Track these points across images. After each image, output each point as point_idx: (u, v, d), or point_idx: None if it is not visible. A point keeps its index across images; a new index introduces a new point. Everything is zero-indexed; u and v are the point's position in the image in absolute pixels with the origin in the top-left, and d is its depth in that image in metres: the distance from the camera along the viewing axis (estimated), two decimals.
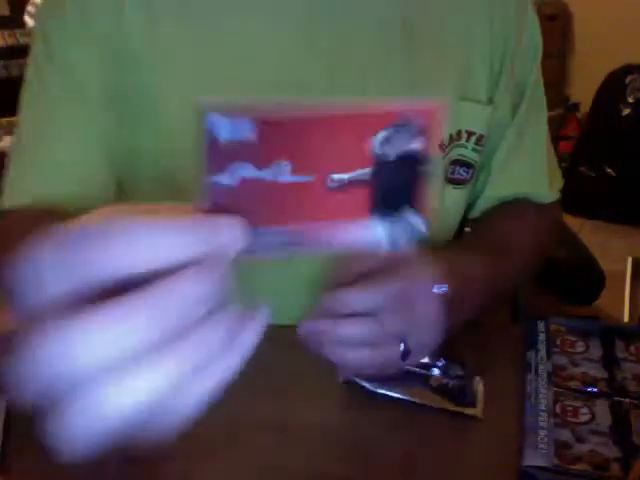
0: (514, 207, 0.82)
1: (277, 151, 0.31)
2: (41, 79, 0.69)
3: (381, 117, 0.32)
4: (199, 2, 0.67)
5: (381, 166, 0.33)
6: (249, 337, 0.29)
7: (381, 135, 0.33)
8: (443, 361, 0.62)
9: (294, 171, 0.32)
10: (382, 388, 0.60)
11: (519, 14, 0.77)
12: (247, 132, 0.30)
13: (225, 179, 0.31)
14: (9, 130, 2.36)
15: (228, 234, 0.29)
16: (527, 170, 0.82)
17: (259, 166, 0.31)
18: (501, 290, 0.73)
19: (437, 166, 0.34)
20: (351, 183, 0.33)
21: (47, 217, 0.62)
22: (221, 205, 0.31)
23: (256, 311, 0.30)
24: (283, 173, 0.32)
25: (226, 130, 0.30)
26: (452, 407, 0.59)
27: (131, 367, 0.25)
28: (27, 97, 0.70)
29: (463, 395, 0.60)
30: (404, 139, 0.33)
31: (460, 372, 0.62)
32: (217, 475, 0.54)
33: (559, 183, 0.88)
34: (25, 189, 0.68)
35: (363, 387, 0.61)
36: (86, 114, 0.67)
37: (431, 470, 0.55)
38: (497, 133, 0.78)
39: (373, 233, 0.35)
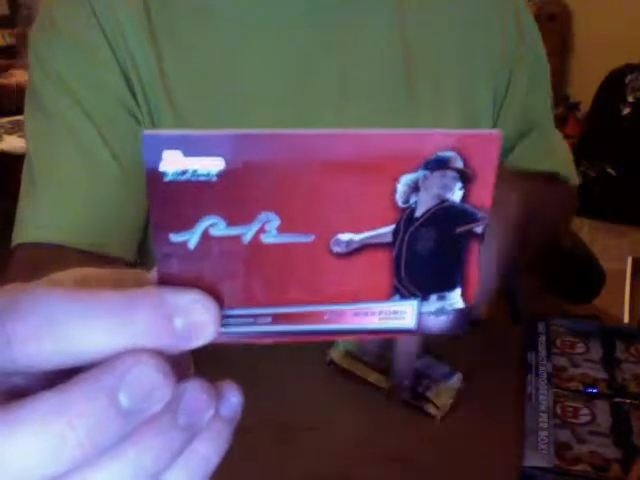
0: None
1: (258, 199, 0.22)
2: (44, 106, 0.68)
3: (407, 153, 0.22)
4: (200, 37, 0.68)
5: (407, 224, 0.24)
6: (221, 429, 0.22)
7: (406, 179, 0.23)
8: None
9: (283, 228, 0.23)
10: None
11: (519, 30, 0.77)
12: (215, 173, 0.21)
13: (182, 237, 0.22)
14: (9, 130, 2.36)
15: (188, 316, 0.21)
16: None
17: (231, 220, 0.22)
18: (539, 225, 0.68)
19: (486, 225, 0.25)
20: (365, 247, 0.24)
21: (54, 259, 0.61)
22: (180, 274, 0.22)
23: (225, 400, 0.23)
24: (267, 231, 0.22)
25: (185, 171, 0.21)
26: (412, 401, 0.60)
27: None
28: (32, 128, 0.69)
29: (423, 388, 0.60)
30: (439, 185, 0.23)
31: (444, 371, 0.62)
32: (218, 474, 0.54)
33: (575, 174, 0.86)
34: (36, 225, 0.66)
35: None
36: (95, 137, 0.66)
37: (431, 470, 0.55)
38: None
39: (395, 316, 0.25)
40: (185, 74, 0.67)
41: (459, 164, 0.23)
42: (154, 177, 0.21)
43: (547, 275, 0.90)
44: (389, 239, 0.24)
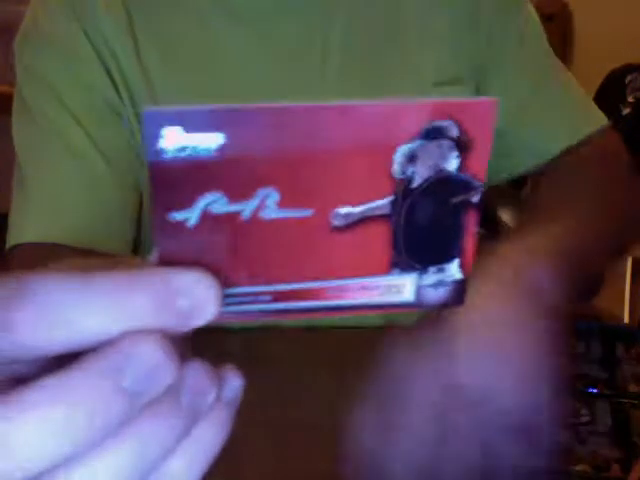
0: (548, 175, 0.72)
1: (258, 174, 0.22)
2: (31, 110, 0.68)
3: (403, 123, 0.22)
4: (180, 29, 0.68)
5: (404, 195, 0.23)
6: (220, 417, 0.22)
7: (403, 150, 0.22)
8: None
9: (283, 203, 0.22)
10: None
11: None
12: (215, 149, 0.21)
13: (182, 216, 0.22)
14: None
15: (191, 296, 0.20)
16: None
17: (232, 197, 0.22)
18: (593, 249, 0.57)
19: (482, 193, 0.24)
20: (364, 220, 0.23)
21: (49, 257, 0.61)
22: (180, 253, 0.22)
23: (226, 384, 0.22)
24: (267, 206, 0.22)
25: (185, 147, 0.21)
26: None
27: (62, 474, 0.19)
28: (20, 131, 0.70)
29: None
30: (436, 155, 0.23)
31: None
32: (216, 474, 0.54)
33: (596, 112, 0.78)
34: (31, 226, 0.66)
35: None
36: (82, 137, 0.67)
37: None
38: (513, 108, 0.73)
39: (394, 290, 0.25)
40: (165, 67, 0.68)
41: (455, 133, 0.22)
42: (155, 155, 0.21)
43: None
44: (387, 211, 0.24)
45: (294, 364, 0.63)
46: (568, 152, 0.74)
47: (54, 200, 0.66)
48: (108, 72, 0.67)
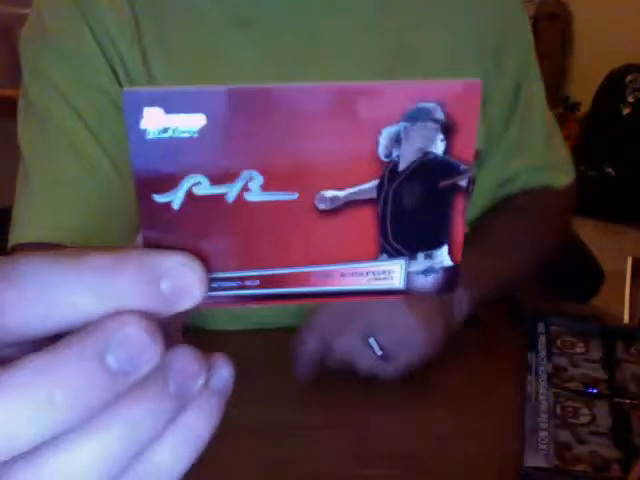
0: (511, 202, 0.82)
1: (241, 156, 0.21)
2: (37, 110, 0.68)
3: (387, 105, 0.22)
4: (185, 35, 0.69)
5: (390, 178, 0.23)
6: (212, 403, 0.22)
7: (388, 132, 0.22)
8: None
9: (267, 186, 0.22)
10: None
11: (508, 12, 0.78)
12: (197, 130, 0.21)
13: (165, 198, 0.21)
14: None
15: (175, 278, 0.20)
16: (527, 163, 0.82)
17: (215, 179, 0.21)
18: (500, 282, 0.74)
19: (470, 177, 0.23)
20: (349, 204, 0.23)
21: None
22: (165, 236, 0.22)
23: (215, 372, 0.22)
24: (250, 189, 0.22)
25: (166, 128, 0.20)
26: None
27: (46, 458, 0.19)
28: (25, 131, 0.70)
29: None
30: (421, 137, 0.22)
31: None
32: (217, 475, 0.54)
33: (569, 168, 0.87)
34: (33, 226, 0.67)
35: None
36: (87, 137, 0.67)
37: (431, 471, 0.55)
38: (492, 131, 0.78)
39: (383, 277, 0.24)
40: (169, 68, 0.68)
41: (440, 115, 0.22)
42: (135, 136, 0.20)
43: (546, 273, 0.89)
44: (373, 195, 0.23)
45: (293, 366, 0.63)
46: (524, 193, 0.82)
47: (57, 201, 0.66)
48: (114, 70, 0.67)
